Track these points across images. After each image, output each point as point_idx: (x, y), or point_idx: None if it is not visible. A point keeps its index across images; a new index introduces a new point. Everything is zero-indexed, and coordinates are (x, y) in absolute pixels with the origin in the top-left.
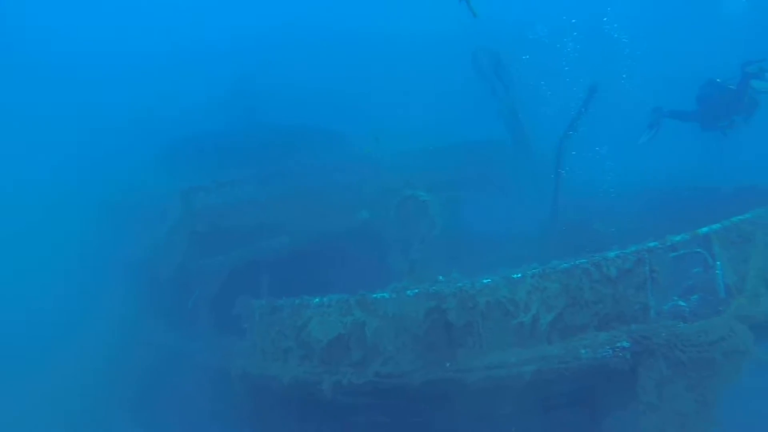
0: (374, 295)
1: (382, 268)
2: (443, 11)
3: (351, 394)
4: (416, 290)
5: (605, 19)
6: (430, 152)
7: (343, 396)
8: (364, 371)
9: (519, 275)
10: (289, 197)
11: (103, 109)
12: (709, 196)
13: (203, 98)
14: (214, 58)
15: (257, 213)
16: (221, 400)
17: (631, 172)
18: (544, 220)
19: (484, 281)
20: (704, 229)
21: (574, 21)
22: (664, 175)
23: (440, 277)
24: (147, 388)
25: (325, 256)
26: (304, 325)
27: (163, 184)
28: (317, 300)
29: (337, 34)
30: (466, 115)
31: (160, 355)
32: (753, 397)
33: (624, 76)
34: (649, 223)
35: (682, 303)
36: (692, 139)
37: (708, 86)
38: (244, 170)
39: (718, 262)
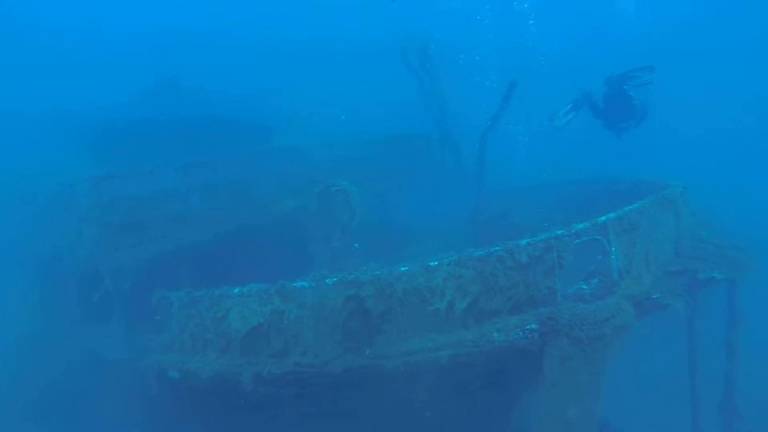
0: (294, 284)
1: (306, 258)
2: (373, 6)
3: (272, 385)
4: (335, 279)
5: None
6: (356, 144)
7: (264, 388)
8: (285, 361)
9: (435, 263)
10: (212, 187)
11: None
12: (612, 188)
13: (125, 87)
14: (137, 46)
15: (178, 203)
16: (136, 400)
17: (546, 167)
18: (468, 212)
19: (402, 269)
20: (602, 218)
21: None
22: (576, 169)
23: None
24: (54, 393)
25: (249, 247)
26: (224, 317)
27: (75, 172)
28: (237, 290)
29: (263, 27)
30: (394, 108)
31: (68, 356)
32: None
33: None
34: (561, 213)
35: (584, 286)
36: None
37: (613, 89)
38: (165, 160)
39: (613, 248)
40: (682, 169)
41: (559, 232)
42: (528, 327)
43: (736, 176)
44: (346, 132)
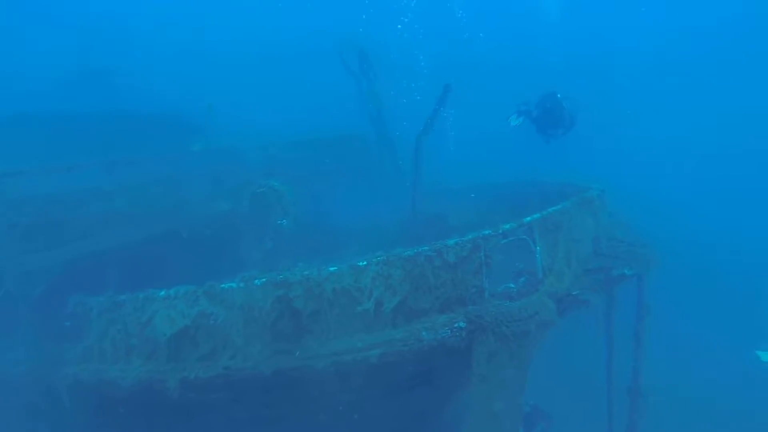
0: (222, 286)
1: (238, 259)
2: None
3: (201, 390)
4: (264, 279)
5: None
6: (292, 145)
7: (193, 394)
8: (213, 365)
9: (364, 263)
10: (140, 187)
11: None
12: (541, 190)
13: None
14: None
15: (101, 203)
16: (45, 417)
17: (480, 169)
18: (405, 213)
19: (331, 269)
20: (528, 219)
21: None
22: (508, 171)
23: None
24: None
25: (179, 250)
26: (149, 321)
27: None
28: (163, 293)
29: (199, 24)
30: (331, 109)
31: None
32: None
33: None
34: (494, 214)
35: (512, 285)
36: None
37: (547, 97)
38: (87, 157)
39: (537, 247)
40: (606, 174)
41: (487, 231)
42: (456, 325)
43: (653, 181)
44: (281, 133)
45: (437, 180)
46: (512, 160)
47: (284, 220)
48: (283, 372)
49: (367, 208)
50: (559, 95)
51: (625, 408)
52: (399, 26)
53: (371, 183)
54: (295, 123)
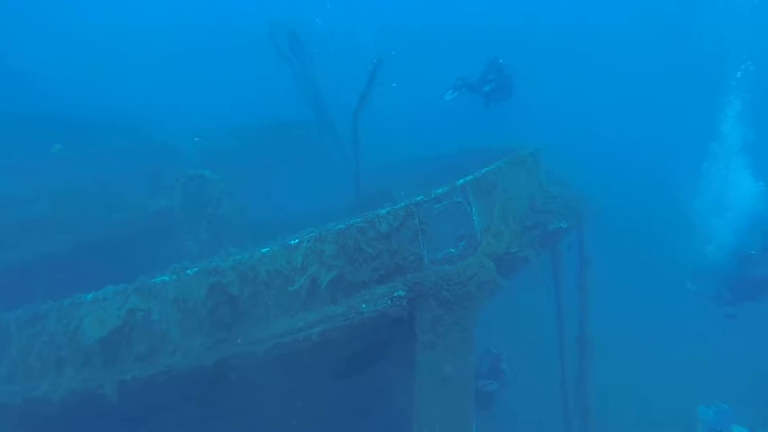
0: (153, 280)
1: (175, 254)
2: None
3: (142, 392)
4: (195, 268)
5: None
6: (229, 135)
7: (135, 396)
8: (153, 363)
9: (296, 240)
10: (67, 192)
11: None
12: (483, 157)
13: None
14: None
15: (18, 211)
16: None
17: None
18: (349, 193)
19: (263, 250)
20: (461, 181)
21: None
22: (453, 141)
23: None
24: None
25: (114, 252)
26: (78, 327)
27: None
28: (90, 296)
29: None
30: (272, 96)
31: None
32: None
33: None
34: (440, 185)
35: (452, 250)
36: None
37: (490, 66)
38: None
39: (473, 209)
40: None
41: (419, 198)
42: (396, 294)
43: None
44: (221, 124)
45: (382, 156)
46: (461, 130)
47: (219, 209)
48: (226, 361)
49: (314, 193)
50: (501, 60)
51: (575, 355)
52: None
53: (316, 168)
54: (236, 113)
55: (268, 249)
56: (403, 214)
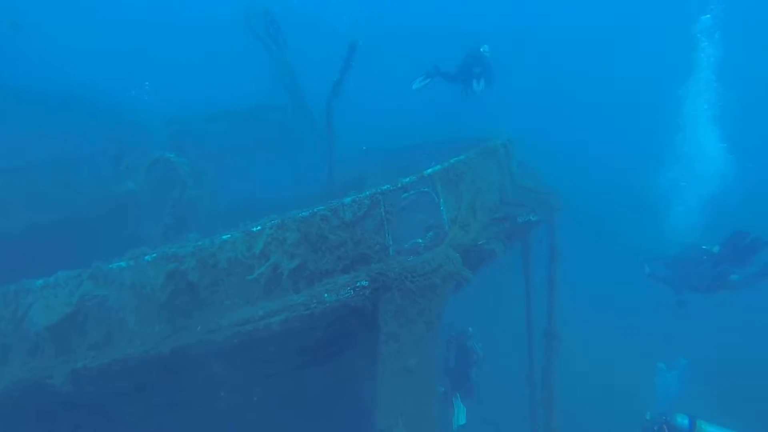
0: (110, 266)
1: (139, 239)
2: None
3: (97, 381)
4: (154, 254)
5: None
6: (203, 119)
7: (89, 387)
8: (108, 351)
9: (258, 227)
10: (24, 169)
11: None
12: (457, 147)
13: None
14: None
15: None
16: None
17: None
18: (324, 180)
19: (224, 237)
20: (428, 171)
21: None
22: (429, 131)
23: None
24: None
25: (75, 234)
26: (25, 314)
27: None
28: (40, 282)
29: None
30: (249, 81)
31: None
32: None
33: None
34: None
35: (419, 240)
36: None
37: (471, 56)
38: None
39: (441, 199)
40: (529, 129)
41: (385, 186)
42: (358, 284)
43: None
44: (191, 107)
45: (361, 143)
46: (440, 120)
47: (185, 193)
48: (185, 350)
49: (291, 179)
50: (481, 50)
51: (542, 349)
52: None
53: (293, 153)
54: (211, 96)
55: (229, 236)
56: (368, 203)
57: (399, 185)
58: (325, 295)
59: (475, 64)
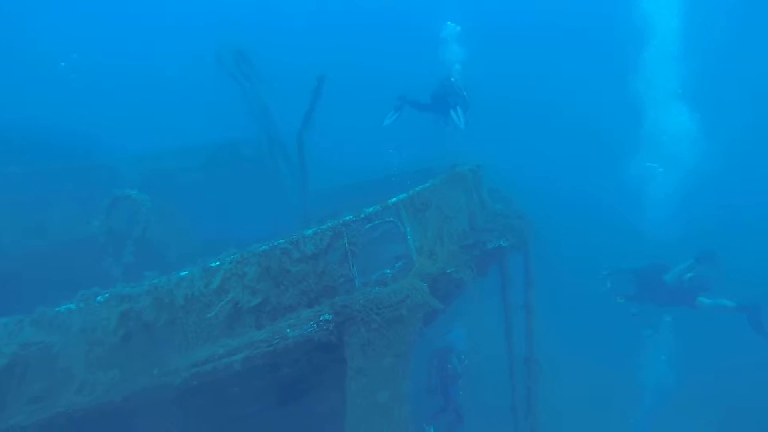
0: (57, 309)
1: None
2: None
3: None
4: (106, 295)
5: None
6: (173, 155)
7: None
8: (52, 404)
9: (216, 263)
10: None
11: None
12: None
13: None
14: None
15: None
16: None
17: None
18: (301, 216)
19: (181, 273)
20: (393, 199)
21: None
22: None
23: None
24: None
25: (29, 280)
26: None
27: None
28: None
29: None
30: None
31: None
32: None
33: None
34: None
35: (387, 271)
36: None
37: (442, 86)
38: None
39: (407, 228)
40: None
41: (348, 217)
42: (322, 318)
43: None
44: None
45: (337, 180)
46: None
47: (147, 232)
48: (139, 395)
49: (266, 214)
50: (452, 79)
51: (523, 376)
52: None
53: (268, 188)
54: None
55: (186, 272)
56: (331, 234)
57: (362, 215)
58: (288, 330)
59: (448, 94)
